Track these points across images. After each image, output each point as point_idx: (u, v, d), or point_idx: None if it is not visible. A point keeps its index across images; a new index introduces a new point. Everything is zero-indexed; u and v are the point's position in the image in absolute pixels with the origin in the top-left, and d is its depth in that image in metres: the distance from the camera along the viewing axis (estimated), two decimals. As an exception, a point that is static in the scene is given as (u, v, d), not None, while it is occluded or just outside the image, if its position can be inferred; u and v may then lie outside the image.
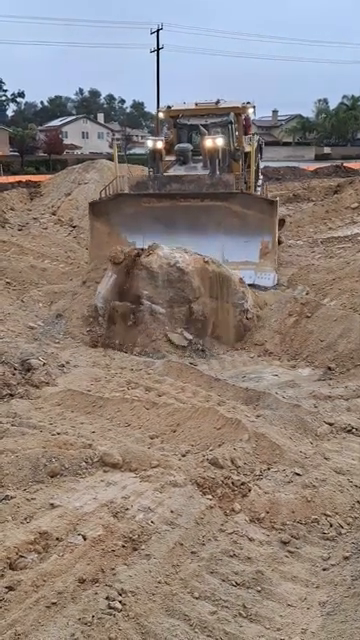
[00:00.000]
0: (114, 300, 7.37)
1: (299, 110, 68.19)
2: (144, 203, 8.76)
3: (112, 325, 7.37)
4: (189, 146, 10.12)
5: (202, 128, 10.30)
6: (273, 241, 8.28)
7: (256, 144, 12.95)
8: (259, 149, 13.75)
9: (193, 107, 11.34)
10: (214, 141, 9.25)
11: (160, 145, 10.06)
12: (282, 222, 10.68)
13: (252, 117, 12.19)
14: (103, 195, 9.50)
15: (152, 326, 7.08)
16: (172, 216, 8.13)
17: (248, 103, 11.49)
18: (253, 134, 12.88)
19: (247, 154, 11.41)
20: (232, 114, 10.93)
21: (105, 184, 14.11)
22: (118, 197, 9.15)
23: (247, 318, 7.42)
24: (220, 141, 9.30)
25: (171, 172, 10.04)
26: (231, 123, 10.78)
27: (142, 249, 7.35)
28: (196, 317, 7.18)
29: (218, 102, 11.33)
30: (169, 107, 11.62)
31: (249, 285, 8.24)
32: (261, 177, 12.86)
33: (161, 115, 12.19)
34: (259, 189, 11.62)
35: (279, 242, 10.02)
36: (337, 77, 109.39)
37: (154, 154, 9.97)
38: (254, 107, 11.70)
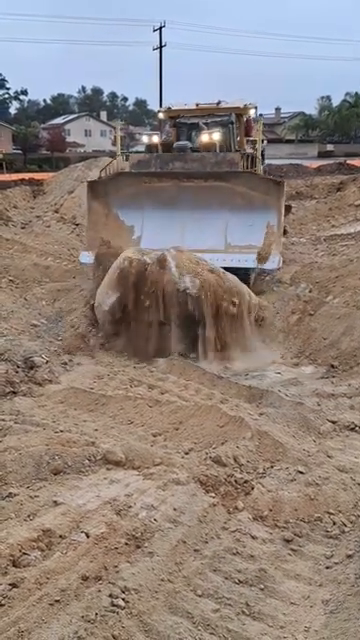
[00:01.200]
0: (117, 314, 7.01)
1: (302, 107, 68.12)
2: (145, 183, 8.40)
3: (114, 337, 7.15)
4: (187, 144, 9.96)
5: (201, 124, 10.20)
6: (279, 223, 7.92)
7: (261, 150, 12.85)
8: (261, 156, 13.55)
9: (194, 108, 11.23)
10: (210, 136, 9.07)
11: (156, 140, 9.98)
12: (289, 208, 10.24)
13: (253, 117, 11.98)
14: (103, 175, 9.19)
15: (156, 343, 6.82)
16: (174, 197, 7.82)
17: (250, 104, 11.29)
18: (263, 140, 12.65)
19: (250, 156, 11.27)
20: (233, 115, 10.79)
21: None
22: (118, 176, 8.79)
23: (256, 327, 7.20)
24: (217, 136, 9.10)
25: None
26: (232, 123, 10.64)
27: (147, 264, 6.82)
28: (206, 337, 6.82)
29: (219, 103, 11.19)
30: (169, 108, 11.55)
31: (251, 269, 7.94)
32: None
33: (161, 115, 12.08)
34: None
35: (284, 232, 9.70)
36: (340, 74, 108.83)
37: (150, 149, 9.87)
38: (256, 107, 11.49)
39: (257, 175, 8.32)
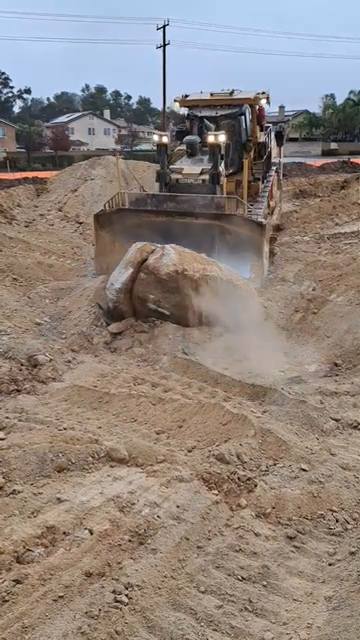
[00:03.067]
0: (125, 295, 7.46)
1: (306, 106, 67.93)
2: (143, 217, 9.24)
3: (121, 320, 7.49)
4: (197, 138, 10.25)
5: (207, 122, 10.41)
6: (260, 261, 8.78)
7: (273, 133, 13.07)
8: (279, 137, 13.83)
9: (208, 97, 11.53)
10: (216, 137, 9.41)
11: (165, 140, 10.27)
12: (274, 240, 10.89)
13: (266, 107, 12.23)
14: (107, 208, 9.94)
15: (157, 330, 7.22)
16: (169, 230, 8.54)
17: (262, 93, 11.63)
18: (269, 127, 12.95)
19: (261, 144, 11.45)
20: (246, 105, 11.06)
21: (110, 180, 14.12)
22: (120, 211, 9.60)
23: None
24: (222, 137, 9.46)
25: (177, 164, 10.21)
26: (242, 115, 10.88)
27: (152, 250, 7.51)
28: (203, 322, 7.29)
29: (232, 92, 11.48)
30: (186, 96, 11.74)
31: None
32: (274, 167, 12.83)
33: (177, 105, 12.36)
34: (269, 181, 11.57)
35: (273, 254, 10.42)
36: (344, 72, 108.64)
37: (160, 148, 10.12)
38: (267, 97, 11.83)
39: (241, 217, 8.97)
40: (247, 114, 11.10)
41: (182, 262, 7.26)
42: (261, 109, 11.87)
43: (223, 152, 9.56)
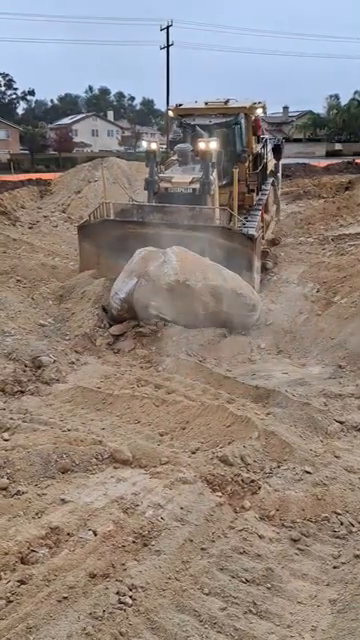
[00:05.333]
0: (129, 304, 7.39)
1: (310, 106, 67.80)
2: (129, 229, 8.91)
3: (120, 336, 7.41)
4: (189, 146, 9.81)
5: (199, 130, 10.06)
6: (251, 276, 8.42)
7: (270, 145, 12.73)
8: (277, 150, 13.42)
9: (203, 106, 11.20)
10: (207, 144, 9.04)
11: (154, 146, 9.99)
12: (266, 253, 10.50)
13: (261, 116, 11.87)
14: (92, 219, 9.66)
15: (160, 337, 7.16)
16: (156, 243, 8.16)
17: (259, 103, 11.22)
18: (265, 138, 12.54)
19: (257, 156, 11.15)
20: (241, 114, 10.72)
21: (114, 182, 14.04)
22: (104, 222, 9.29)
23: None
24: (213, 145, 9.11)
25: (167, 173, 9.91)
26: (237, 124, 10.53)
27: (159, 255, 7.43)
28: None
29: (227, 101, 11.15)
30: (179, 105, 11.54)
31: None
32: (272, 178, 12.45)
33: (170, 113, 12.07)
34: (264, 193, 11.28)
35: (265, 268, 10.02)
36: (348, 72, 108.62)
37: (149, 155, 9.91)
38: (264, 107, 11.41)
39: (231, 229, 8.62)
40: (242, 124, 10.69)
41: (184, 271, 7.14)
42: (257, 119, 11.40)
43: (215, 160, 9.21)
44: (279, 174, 14.11)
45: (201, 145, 9.12)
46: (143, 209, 9.50)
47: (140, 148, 29.95)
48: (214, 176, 9.15)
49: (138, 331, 7.34)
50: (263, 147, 11.82)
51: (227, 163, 9.98)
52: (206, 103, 11.26)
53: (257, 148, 11.42)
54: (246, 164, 10.62)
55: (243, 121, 10.70)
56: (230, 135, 10.36)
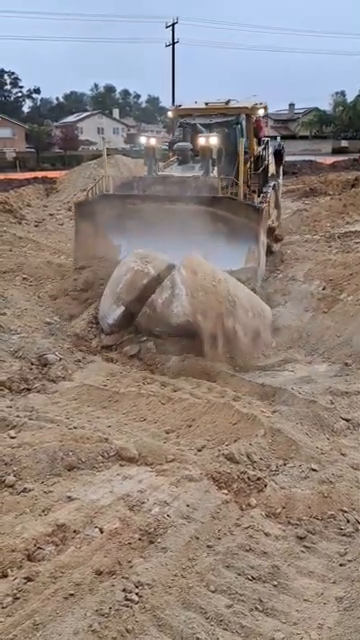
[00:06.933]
0: (124, 326, 6.84)
1: (316, 103, 67.49)
2: (129, 204, 8.44)
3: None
4: (189, 145, 9.71)
5: (199, 126, 9.96)
6: (258, 250, 7.90)
7: (271, 148, 12.52)
8: (278, 155, 13.15)
9: (203, 107, 11.05)
10: (207, 140, 8.85)
11: (153, 142, 9.79)
12: (272, 230, 10.08)
13: (263, 116, 11.67)
14: (89, 196, 9.22)
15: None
16: (157, 218, 7.78)
17: (260, 104, 11.01)
18: (267, 140, 12.31)
19: (258, 157, 10.97)
20: (242, 115, 10.53)
21: (118, 180, 13.97)
22: (102, 197, 8.83)
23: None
24: (214, 140, 8.90)
25: (166, 171, 9.73)
26: (238, 124, 10.36)
27: (151, 277, 6.67)
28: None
29: (228, 102, 10.99)
30: (179, 106, 11.43)
31: None
32: (273, 182, 12.15)
33: (170, 114, 11.92)
34: (265, 195, 11.02)
35: (277, 239, 9.52)
36: (355, 69, 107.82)
37: (147, 152, 9.71)
38: (265, 107, 11.23)
39: (237, 201, 8.16)
40: (243, 124, 10.49)
41: (196, 309, 6.24)
42: (258, 120, 11.18)
43: (215, 157, 9.03)
44: (280, 179, 13.90)
45: (201, 140, 8.93)
46: (144, 181, 9.14)
47: (136, 147, 29.45)
48: (214, 173, 8.97)
49: (132, 355, 6.61)
50: (264, 149, 11.67)
51: (227, 163, 9.74)
52: (206, 104, 11.16)
53: (258, 149, 11.28)
54: (247, 165, 10.52)
55: (244, 121, 10.55)
56: (231, 135, 10.18)
